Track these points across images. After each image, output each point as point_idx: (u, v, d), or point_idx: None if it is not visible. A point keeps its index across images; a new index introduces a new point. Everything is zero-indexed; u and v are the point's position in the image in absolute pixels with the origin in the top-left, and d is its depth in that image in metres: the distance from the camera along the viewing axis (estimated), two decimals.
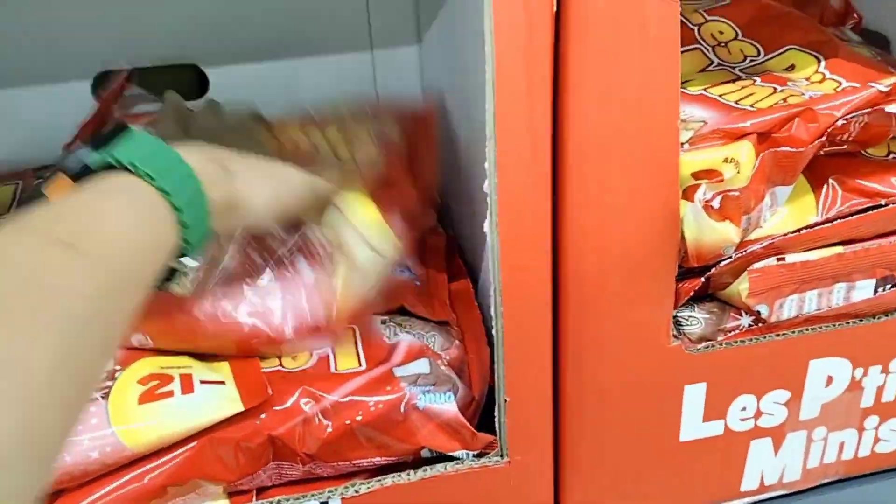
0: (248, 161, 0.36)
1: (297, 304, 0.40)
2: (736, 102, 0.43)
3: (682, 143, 0.37)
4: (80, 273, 0.24)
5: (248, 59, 0.55)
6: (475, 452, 0.40)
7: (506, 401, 0.38)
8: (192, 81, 0.60)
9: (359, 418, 0.39)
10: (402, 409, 0.39)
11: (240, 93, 0.55)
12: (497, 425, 0.39)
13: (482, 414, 0.41)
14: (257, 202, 0.35)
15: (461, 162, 0.47)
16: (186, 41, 0.54)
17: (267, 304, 0.40)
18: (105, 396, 0.38)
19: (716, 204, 0.37)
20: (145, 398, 0.38)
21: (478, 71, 0.35)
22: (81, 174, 0.29)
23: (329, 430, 0.38)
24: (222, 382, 0.39)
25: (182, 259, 0.31)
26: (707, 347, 0.40)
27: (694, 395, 0.41)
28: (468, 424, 0.39)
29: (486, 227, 0.35)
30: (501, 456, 0.39)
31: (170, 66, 0.56)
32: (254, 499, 0.40)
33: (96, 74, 0.54)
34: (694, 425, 0.42)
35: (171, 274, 0.31)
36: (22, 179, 0.50)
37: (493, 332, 0.37)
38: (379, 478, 0.39)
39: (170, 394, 0.38)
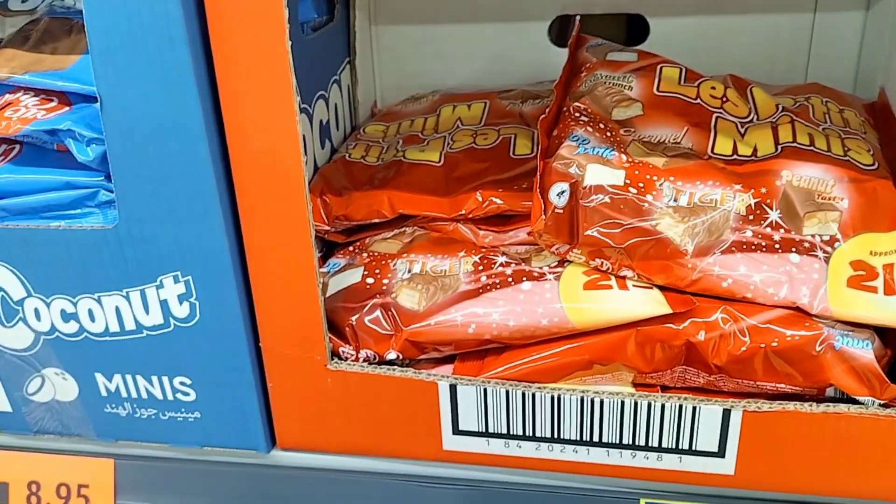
0: None
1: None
2: None
3: None
4: None
5: (689, 12, 0.60)
6: (881, 402, 0.41)
7: None
8: (623, 30, 0.67)
9: (774, 344, 0.42)
10: (817, 346, 0.41)
11: (675, 44, 0.60)
12: None
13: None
14: None
15: None
16: None
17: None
18: (557, 279, 0.46)
19: None
20: (589, 286, 0.45)
21: None
22: None
23: (743, 348, 0.42)
24: (652, 287, 0.45)
25: None
26: None
27: None
28: (882, 373, 0.41)
29: None
30: None
31: (609, 14, 0.63)
32: (658, 392, 0.45)
33: (553, 18, 0.63)
34: None
35: None
36: (489, 99, 0.60)
37: None
38: (782, 402, 0.42)
39: (609, 286, 0.45)
